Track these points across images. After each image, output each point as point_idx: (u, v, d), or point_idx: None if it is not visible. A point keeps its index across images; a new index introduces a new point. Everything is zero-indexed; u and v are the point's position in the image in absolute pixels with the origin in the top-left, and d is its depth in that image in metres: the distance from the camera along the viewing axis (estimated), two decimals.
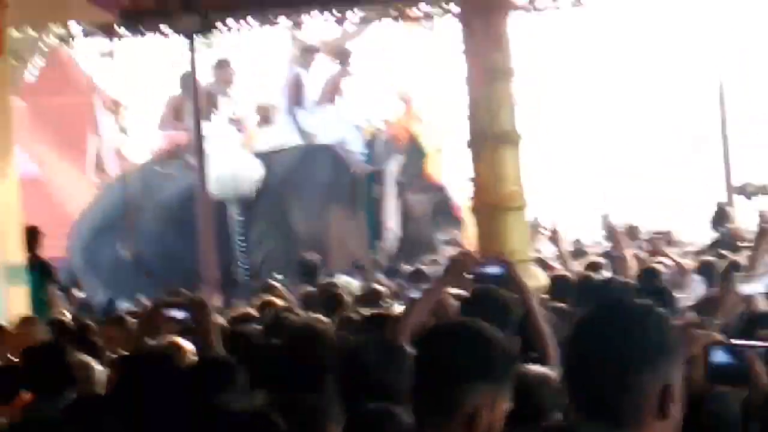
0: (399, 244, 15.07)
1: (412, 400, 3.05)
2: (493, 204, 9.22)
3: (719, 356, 3.56)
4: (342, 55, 16.57)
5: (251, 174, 15.06)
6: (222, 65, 16.79)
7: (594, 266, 9.25)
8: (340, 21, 15.04)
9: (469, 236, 14.51)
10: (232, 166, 15.04)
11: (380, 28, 16.07)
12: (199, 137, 13.54)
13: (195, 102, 13.66)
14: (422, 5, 14.37)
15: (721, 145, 13.59)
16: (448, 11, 14.20)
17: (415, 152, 16.01)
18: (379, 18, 14.73)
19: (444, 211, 15.95)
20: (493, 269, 5.46)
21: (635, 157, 45.92)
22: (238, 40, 16.84)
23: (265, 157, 15.38)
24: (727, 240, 10.66)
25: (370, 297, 8.96)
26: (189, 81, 14.82)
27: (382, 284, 10.09)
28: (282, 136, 16.17)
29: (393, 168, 15.39)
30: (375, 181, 15.47)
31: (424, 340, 3.22)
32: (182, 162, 15.58)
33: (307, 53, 16.53)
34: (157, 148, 16.50)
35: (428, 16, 15.36)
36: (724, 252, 9.44)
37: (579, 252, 12.25)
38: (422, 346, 3.17)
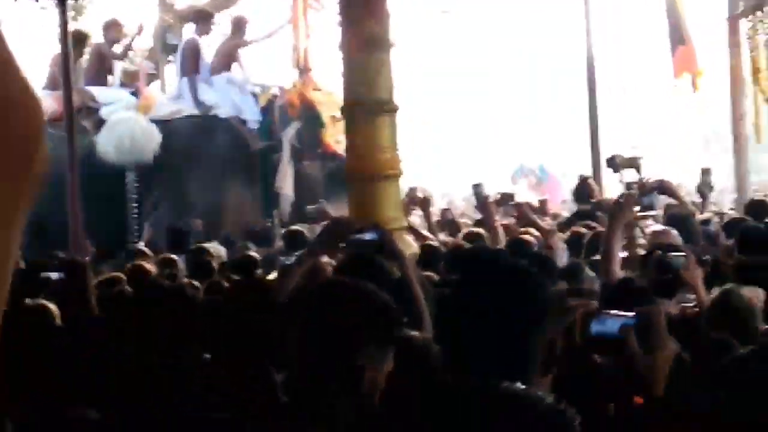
0: (294, 212, 15.02)
1: (297, 361, 3.08)
2: (368, 172, 9.25)
3: (596, 326, 3.65)
4: (238, 23, 16.42)
5: (150, 141, 14.79)
6: (112, 25, 16.48)
7: (472, 236, 9.37)
8: None
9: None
10: (131, 131, 14.70)
11: None
12: (69, 103, 13.27)
13: (65, 68, 13.39)
14: None
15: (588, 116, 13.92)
16: None
17: (312, 120, 15.99)
18: None
19: (340, 180, 15.99)
20: (367, 236, 5.52)
21: (510, 130, 46.79)
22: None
23: (162, 124, 15.13)
24: (589, 212, 10.83)
25: (243, 264, 9.00)
26: (75, 41, 14.63)
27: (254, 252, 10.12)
28: (179, 103, 15.97)
29: (289, 135, 15.34)
30: (271, 151, 15.45)
31: (310, 300, 3.25)
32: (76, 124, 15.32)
33: (205, 19, 16.36)
34: (46, 109, 16.10)
35: None
36: (590, 223, 9.60)
37: (449, 222, 12.37)
38: (306, 307, 3.20)
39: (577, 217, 10.65)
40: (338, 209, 15.19)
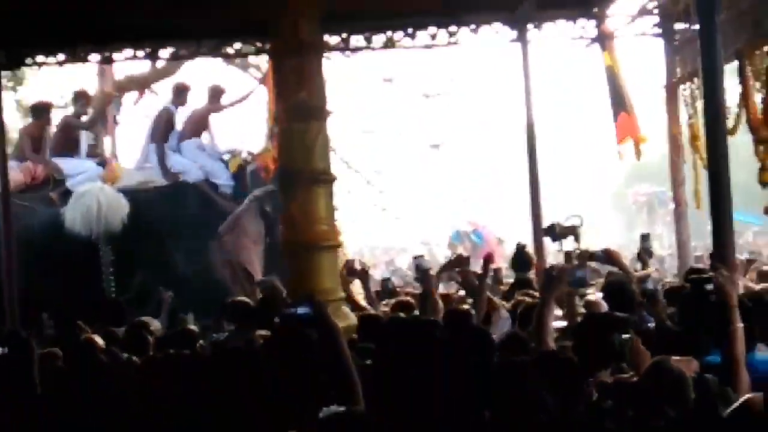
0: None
1: None
2: (304, 243, 9.15)
3: None
4: (214, 92, 16.36)
5: (117, 211, 14.53)
6: (80, 96, 16.42)
7: (404, 306, 9.28)
8: (151, 57, 14.89)
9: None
10: (97, 201, 14.45)
11: (194, 64, 16.01)
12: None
13: (2, 142, 13.23)
14: (235, 43, 14.31)
15: (528, 183, 13.92)
16: (262, 50, 14.20)
17: None
18: (192, 55, 14.61)
19: None
20: (300, 309, 5.44)
21: (456, 196, 46.99)
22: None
23: (132, 193, 14.90)
24: (529, 281, 10.77)
25: (179, 338, 8.85)
26: (40, 112, 14.44)
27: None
28: (146, 171, 15.82)
29: (255, 192, 15.09)
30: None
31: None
32: (43, 195, 15.11)
33: (181, 91, 16.27)
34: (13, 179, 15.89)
35: (242, 54, 15.33)
36: (530, 292, 9.53)
37: (389, 292, 12.28)
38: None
39: (516, 285, 10.59)
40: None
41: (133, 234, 14.43)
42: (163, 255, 14.41)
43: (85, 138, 16.29)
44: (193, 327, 9.87)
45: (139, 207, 14.62)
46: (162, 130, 15.82)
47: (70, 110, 16.71)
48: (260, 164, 15.67)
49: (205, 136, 16.16)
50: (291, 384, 3.13)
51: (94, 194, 14.52)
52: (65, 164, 15.55)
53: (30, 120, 16.41)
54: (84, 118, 16.32)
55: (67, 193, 14.92)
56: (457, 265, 10.21)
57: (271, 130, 16.15)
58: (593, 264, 9.73)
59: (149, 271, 14.31)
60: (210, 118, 16.24)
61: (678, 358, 5.76)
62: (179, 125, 15.99)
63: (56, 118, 16.62)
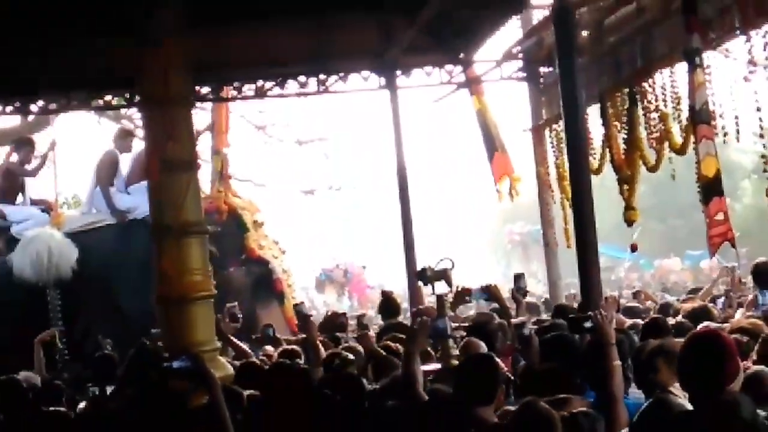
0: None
1: None
2: (178, 295, 9.10)
3: None
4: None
5: (67, 255, 14.26)
6: (22, 144, 16.14)
7: (289, 354, 9.31)
8: (21, 111, 14.75)
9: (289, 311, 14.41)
10: (47, 247, 14.18)
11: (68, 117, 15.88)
12: None
13: None
14: (105, 95, 14.25)
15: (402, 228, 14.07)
16: (131, 102, 14.15)
17: (235, 226, 15.78)
18: (63, 109, 14.47)
19: (265, 285, 15.74)
20: (176, 363, 5.44)
21: (330, 242, 47.04)
22: None
23: (79, 237, 14.67)
24: (397, 326, 10.85)
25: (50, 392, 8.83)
26: None
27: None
28: (92, 214, 15.56)
29: None
30: None
31: None
32: None
33: (125, 136, 16.06)
34: None
35: (112, 107, 15.26)
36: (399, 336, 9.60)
37: (271, 339, 12.29)
38: None
39: (385, 331, 10.68)
40: (267, 315, 14.98)
41: (81, 277, 14.27)
42: (110, 295, 14.30)
43: (28, 185, 16.09)
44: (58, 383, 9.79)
45: (86, 250, 14.46)
46: (106, 172, 15.62)
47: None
48: (212, 207, 15.63)
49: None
50: None
51: (44, 240, 14.29)
52: (9, 211, 15.35)
53: None
54: (28, 166, 16.06)
55: (12, 241, 14.71)
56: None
57: (219, 173, 16.16)
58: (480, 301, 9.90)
59: (95, 312, 14.23)
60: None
61: (561, 396, 5.88)
62: (124, 170, 15.82)
63: None
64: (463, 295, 10.52)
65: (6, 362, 11.20)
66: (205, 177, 16.50)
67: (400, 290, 17.21)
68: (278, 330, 12.19)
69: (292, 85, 14.13)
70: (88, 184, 16.08)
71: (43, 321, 13.84)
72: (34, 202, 15.89)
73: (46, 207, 15.72)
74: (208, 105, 16.48)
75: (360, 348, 9.09)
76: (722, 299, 12.60)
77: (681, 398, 5.30)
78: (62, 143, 16.69)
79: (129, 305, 14.00)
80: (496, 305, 10.38)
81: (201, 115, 18.11)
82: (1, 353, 12.05)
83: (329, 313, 14.31)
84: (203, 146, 16.83)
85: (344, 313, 14.58)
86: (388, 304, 11.92)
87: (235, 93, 14.45)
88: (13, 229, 15.00)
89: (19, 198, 15.87)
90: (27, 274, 14.06)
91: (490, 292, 9.82)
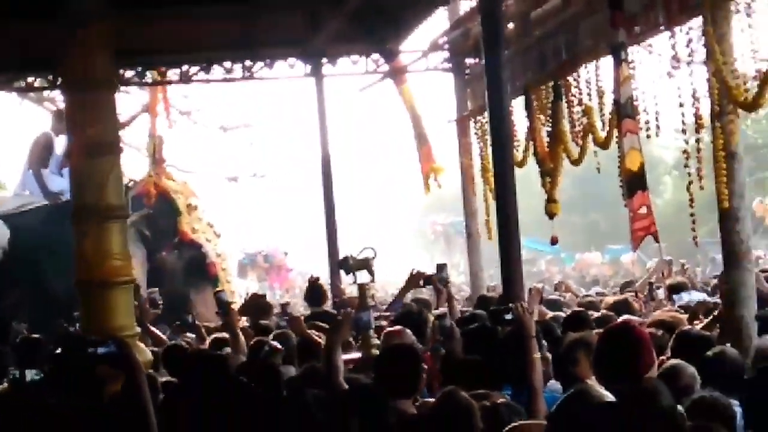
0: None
1: None
2: (98, 279, 9.03)
3: None
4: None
5: None
6: None
7: (219, 342, 9.24)
8: None
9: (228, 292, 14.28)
10: None
11: None
12: None
13: None
14: (28, 77, 14.07)
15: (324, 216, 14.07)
16: (54, 84, 13.96)
17: (167, 209, 15.59)
18: None
19: (198, 269, 15.60)
20: (101, 349, 5.38)
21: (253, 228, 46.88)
22: None
23: (10, 218, 14.51)
24: (322, 315, 10.81)
25: None
26: None
27: None
28: (24, 196, 15.34)
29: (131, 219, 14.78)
30: None
31: None
32: None
33: (62, 118, 15.85)
34: None
35: (35, 88, 15.06)
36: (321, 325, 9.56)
37: (189, 326, 12.24)
38: None
39: (311, 319, 10.66)
40: (201, 299, 14.86)
41: (11, 257, 14.26)
42: (37, 275, 14.15)
43: None
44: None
45: (17, 231, 14.38)
46: (39, 154, 15.44)
47: None
48: (142, 190, 15.50)
49: None
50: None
51: None
52: None
53: None
54: None
55: None
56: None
57: (152, 157, 16.02)
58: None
59: (23, 290, 14.13)
60: None
61: (481, 392, 5.90)
62: (59, 150, 15.61)
63: None
64: (417, 279, 10.52)
65: None
66: (140, 160, 16.48)
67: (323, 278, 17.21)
68: (212, 314, 12.08)
69: (217, 71, 14.04)
70: (20, 166, 15.96)
71: None
72: None
73: None
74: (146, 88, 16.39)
75: (292, 334, 9.02)
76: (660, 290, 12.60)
77: (601, 389, 5.35)
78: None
79: (56, 287, 13.88)
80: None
81: (136, 98, 18.06)
82: None
83: (250, 295, 14.27)
84: (139, 129, 16.79)
85: (264, 295, 14.55)
86: (314, 291, 11.86)
87: (159, 77, 14.34)
88: None
89: None
90: None
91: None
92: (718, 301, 9.09)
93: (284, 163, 45.91)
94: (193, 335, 11.06)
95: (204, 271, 15.80)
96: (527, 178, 12.23)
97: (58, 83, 13.27)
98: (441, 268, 10.18)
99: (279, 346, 8.22)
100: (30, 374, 7.01)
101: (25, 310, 13.48)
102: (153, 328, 10.61)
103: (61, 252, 13.99)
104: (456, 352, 7.73)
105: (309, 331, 8.77)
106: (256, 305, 12.45)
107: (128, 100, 20.00)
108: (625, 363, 4.78)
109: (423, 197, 27.21)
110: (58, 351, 5.33)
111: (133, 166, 16.95)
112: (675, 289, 11.61)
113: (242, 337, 8.95)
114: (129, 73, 13.84)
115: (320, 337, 8.27)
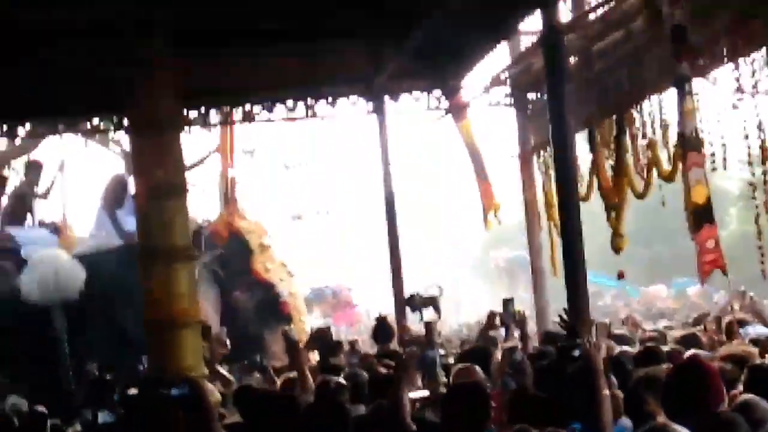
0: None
1: None
2: (166, 320, 9.09)
3: None
4: None
5: (75, 277, 14.28)
6: (32, 167, 16.42)
7: (287, 383, 9.25)
8: (9, 135, 14.73)
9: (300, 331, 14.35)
10: (54, 269, 14.22)
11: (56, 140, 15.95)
12: None
13: None
14: (94, 118, 14.21)
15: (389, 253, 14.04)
16: (120, 125, 14.11)
17: (240, 249, 15.78)
18: (51, 132, 14.49)
19: (272, 308, 15.72)
20: (175, 391, 5.42)
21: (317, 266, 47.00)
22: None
23: (87, 259, 14.66)
24: (391, 353, 10.76)
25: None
26: None
27: None
28: (100, 237, 15.54)
29: (204, 259, 14.89)
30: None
31: None
32: None
33: None
34: None
35: (101, 130, 15.21)
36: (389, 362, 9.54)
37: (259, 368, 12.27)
38: None
39: (380, 357, 10.63)
40: (274, 339, 14.94)
41: (86, 298, 14.31)
42: (111, 314, 14.30)
43: (37, 207, 16.27)
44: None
45: (93, 271, 14.46)
46: (114, 195, 15.66)
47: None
48: (214, 230, 15.64)
49: None
50: None
51: (50, 262, 14.34)
52: (18, 233, 15.47)
53: None
54: (37, 189, 16.31)
55: (21, 262, 14.72)
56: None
57: (225, 197, 16.19)
58: None
59: (96, 330, 14.23)
60: None
61: (550, 429, 5.84)
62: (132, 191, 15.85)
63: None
64: (493, 320, 10.47)
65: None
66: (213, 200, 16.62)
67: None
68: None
69: (280, 109, 14.12)
70: (94, 207, 16.15)
71: (50, 342, 13.91)
72: (42, 224, 15.97)
73: (55, 228, 15.81)
74: (216, 128, 16.54)
75: (362, 373, 8.99)
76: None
77: (676, 426, 5.27)
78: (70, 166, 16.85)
79: (129, 327, 13.99)
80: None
81: (208, 138, 18.28)
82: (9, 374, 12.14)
83: (315, 330, 14.26)
84: (211, 169, 16.93)
85: (328, 328, 14.55)
86: (382, 329, 11.86)
87: (223, 118, 14.45)
88: (22, 251, 15.03)
89: (29, 220, 15.97)
90: (34, 296, 14.12)
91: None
92: None
93: (347, 200, 46.06)
94: (261, 375, 11.07)
95: (277, 310, 15.83)
96: (589, 210, 12.18)
97: (125, 125, 13.47)
98: (508, 303, 10.13)
99: (343, 382, 8.22)
100: (102, 416, 7.08)
101: (97, 351, 13.56)
102: (221, 369, 10.66)
103: (134, 292, 14.15)
104: (527, 387, 7.69)
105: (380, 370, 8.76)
106: (322, 340, 12.46)
107: (198, 141, 20.27)
108: (694, 398, 4.73)
109: (481, 234, 27.10)
110: (132, 392, 5.38)
111: (206, 206, 17.11)
112: (740, 323, 11.47)
113: (310, 377, 8.95)
114: (192, 113, 13.97)
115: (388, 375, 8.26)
